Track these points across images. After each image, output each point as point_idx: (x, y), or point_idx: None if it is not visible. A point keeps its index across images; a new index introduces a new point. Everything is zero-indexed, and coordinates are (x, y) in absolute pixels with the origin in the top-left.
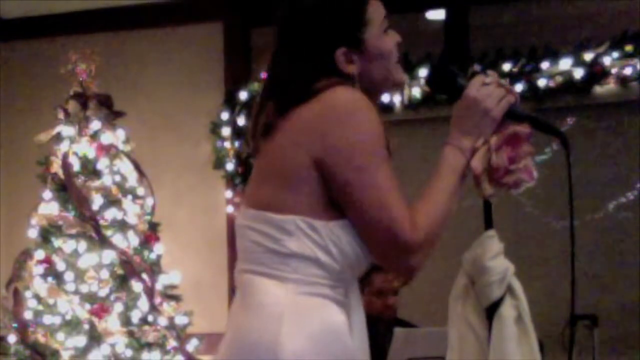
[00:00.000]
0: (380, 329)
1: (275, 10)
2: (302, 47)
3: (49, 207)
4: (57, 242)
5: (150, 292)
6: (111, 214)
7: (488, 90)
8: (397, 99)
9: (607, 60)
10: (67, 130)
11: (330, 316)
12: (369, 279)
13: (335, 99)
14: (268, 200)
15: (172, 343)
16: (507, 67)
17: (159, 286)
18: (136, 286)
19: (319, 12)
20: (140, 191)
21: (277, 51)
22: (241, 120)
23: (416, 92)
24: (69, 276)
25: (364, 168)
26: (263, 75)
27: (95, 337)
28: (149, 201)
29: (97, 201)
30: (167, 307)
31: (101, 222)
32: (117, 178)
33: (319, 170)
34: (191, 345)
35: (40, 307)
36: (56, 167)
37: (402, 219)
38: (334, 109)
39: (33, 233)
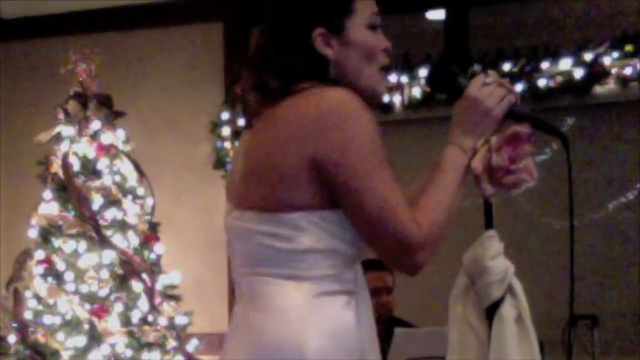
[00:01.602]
0: (379, 329)
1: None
2: (283, 26)
3: (49, 207)
4: (57, 242)
5: (150, 292)
6: (111, 214)
7: (489, 89)
8: (397, 99)
9: (607, 60)
10: (67, 130)
11: (342, 311)
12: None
13: (329, 100)
14: (268, 199)
15: (172, 343)
16: (507, 67)
17: (159, 286)
18: (136, 286)
19: None
20: (140, 191)
21: (262, 32)
22: (241, 120)
23: (416, 92)
24: (69, 276)
25: (366, 172)
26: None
27: (95, 337)
28: (149, 201)
29: (97, 201)
30: (167, 307)
31: (101, 222)
32: (117, 178)
33: (316, 170)
34: (191, 345)
35: (40, 307)
36: (56, 167)
37: (408, 220)
38: (329, 111)
39: (33, 233)
